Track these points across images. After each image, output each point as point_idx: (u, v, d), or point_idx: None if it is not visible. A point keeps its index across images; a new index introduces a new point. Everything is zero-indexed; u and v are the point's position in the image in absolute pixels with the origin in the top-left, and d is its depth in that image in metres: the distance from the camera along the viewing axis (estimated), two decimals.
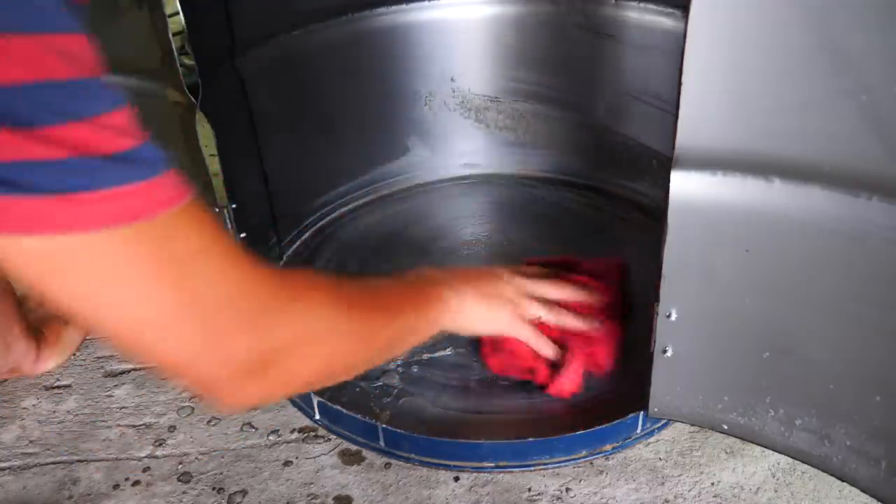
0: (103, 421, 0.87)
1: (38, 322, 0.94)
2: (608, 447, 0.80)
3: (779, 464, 0.79)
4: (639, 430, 0.81)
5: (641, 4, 1.08)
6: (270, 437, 0.84)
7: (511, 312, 0.78)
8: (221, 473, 0.80)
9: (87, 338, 0.98)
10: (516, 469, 0.79)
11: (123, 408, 0.89)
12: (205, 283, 0.45)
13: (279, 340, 0.50)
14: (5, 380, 0.91)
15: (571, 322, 0.81)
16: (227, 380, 0.48)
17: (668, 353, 0.71)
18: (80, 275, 0.40)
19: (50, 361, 0.91)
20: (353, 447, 0.82)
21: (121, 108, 0.40)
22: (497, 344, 0.84)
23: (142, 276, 0.42)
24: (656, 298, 0.69)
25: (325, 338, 0.55)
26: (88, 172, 0.38)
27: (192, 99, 0.81)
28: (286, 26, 1.07)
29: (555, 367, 0.81)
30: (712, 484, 0.77)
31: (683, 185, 0.62)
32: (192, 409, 0.88)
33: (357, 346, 0.59)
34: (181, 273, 0.43)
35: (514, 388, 0.87)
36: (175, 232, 0.42)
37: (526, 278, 0.82)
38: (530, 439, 0.78)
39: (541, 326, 0.80)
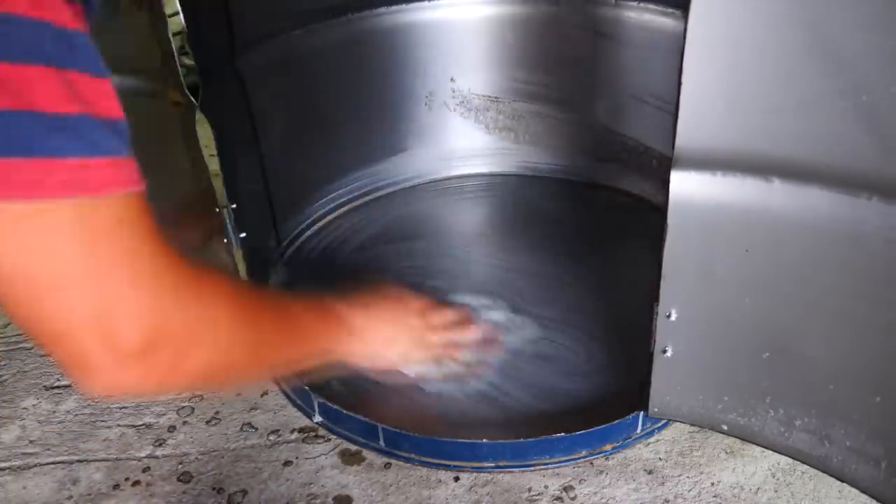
0: (103, 421, 0.87)
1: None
2: (608, 447, 0.80)
3: (779, 464, 0.79)
4: (639, 430, 0.81)
5: (641, 4, 1.08)
6: (270, 438, 0.84)
7: (412, 338, 0.81)
8: (221, 473, 0.80)
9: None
10: (516, 469, 0.79)
11: (123, 408, 0.89)
12: (118, 258, 0.46)
13: (169, 328, 0.50)
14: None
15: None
16: (107, 356, 0.48)
17: (668, 353, 0.71)
18: (16, 237, 0.42)
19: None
20: (353, 447, 0.82)
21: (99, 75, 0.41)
22: None
23: (64, 241, 0.44)
24: (656, 298, 0.69)
25: (214, 339, 0.55)
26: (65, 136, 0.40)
27: (192, 99, 0.81)
28: (286, 26, 1.07)
29: None
30: (712, 484, 0.77)
31: (683, 185, 0.62)
32: (192, 409, 0.88)
33: (245, 355, 0.60)
34: (99, 242, 0.45)
35: (515, 388, 0.87)
36: (109, 211, 0.44)
37: (430, 311, 0.84)
38: (530, 439, 0.78)
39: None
